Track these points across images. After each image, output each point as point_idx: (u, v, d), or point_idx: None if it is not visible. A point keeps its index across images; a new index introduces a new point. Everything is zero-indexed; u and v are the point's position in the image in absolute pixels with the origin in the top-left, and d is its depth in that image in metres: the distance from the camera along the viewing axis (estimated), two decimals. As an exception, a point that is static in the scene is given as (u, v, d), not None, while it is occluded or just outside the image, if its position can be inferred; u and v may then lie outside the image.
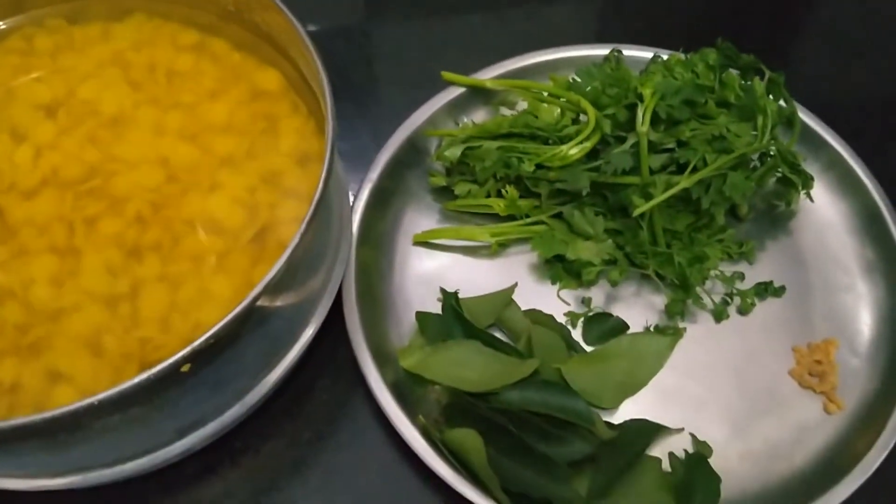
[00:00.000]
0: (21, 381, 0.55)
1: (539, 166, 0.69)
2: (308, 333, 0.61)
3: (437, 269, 0.72)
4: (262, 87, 0.68)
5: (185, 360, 0.48)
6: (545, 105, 0.73)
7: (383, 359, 0.64)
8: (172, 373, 0.48)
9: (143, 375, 0.46)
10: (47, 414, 0.45)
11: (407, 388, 0.64)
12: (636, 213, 0.65)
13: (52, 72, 0.68)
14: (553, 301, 0.71)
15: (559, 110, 0.72)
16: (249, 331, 0.54)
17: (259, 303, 0.51)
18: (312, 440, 0.65)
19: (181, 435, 0.58)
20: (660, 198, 0.64)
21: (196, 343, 0.48)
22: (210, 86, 0.68)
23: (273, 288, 0.51)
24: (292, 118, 0.66)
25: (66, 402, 0.51)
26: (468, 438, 0.58)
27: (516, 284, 0.69)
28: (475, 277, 0.72)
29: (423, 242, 0.72)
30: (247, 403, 0.59)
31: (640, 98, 0.66)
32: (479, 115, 0.79)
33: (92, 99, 0.67)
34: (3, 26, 0.71)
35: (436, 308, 0.69)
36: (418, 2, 0.94)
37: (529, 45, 0.83)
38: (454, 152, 0.70)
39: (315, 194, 0.54)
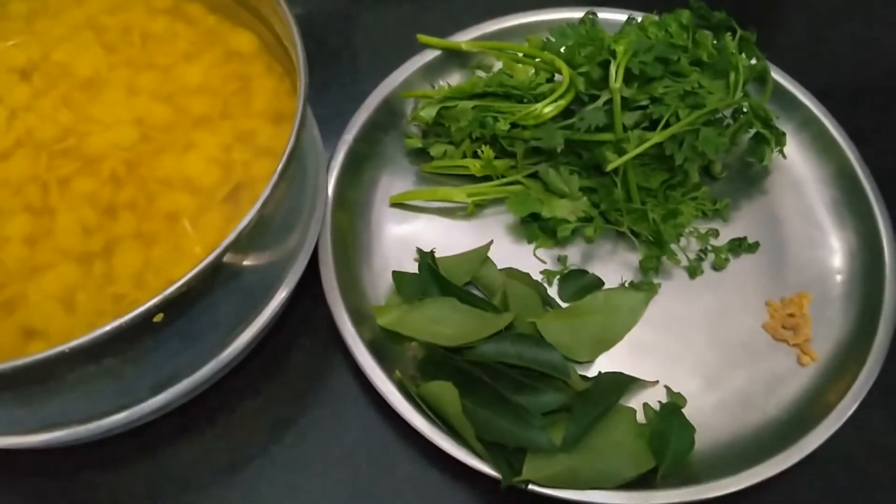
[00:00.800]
0: (-3, 339, 0.55)
1: (514, 125, 0.69)
2: (284, 291, 0.61)
3: (413, 230, 0.72)
4: (236, 49, 0.68)
5: (156, 308, 0.47)
6: (520, 65, 0.72)
7: (360, 317, 0.64)
8: (145, 322, 0.47)
9: (115, 323, 0.46)
10: (20, 362, 0.45)
11: (384, 346, 0.64)
12: (609, 168, 0.65)
13: (26, 36, 0.68)
14: (530, 260, 0.71)
15: (534, 70, 0.71)
16: (222, 284, 0.54)
17: (230, 256, 0.50)
18: (290, 398, 0.65)
19: (156, 391, 0.57)
20: (632, 153, 0.64)
21: (168, 292, 0.48)
22: (184, 48, 0.68)
23: (244, 241, 0.51)
24: (266, 79, 0.66)
25: None
26: (443, 390, 0.58)
27: (491, 242, 0.69)
28: (452, 238, 0.72)
29: (400, 204, 0.72)
30: (222, 360, 0.59)
31: (614, 55, 0.66)
32: (456, 78, 0.79)
33: (66, 62, 0.67)
34: (-24, -8, 0.69)
35: (413, 268, 0.69)
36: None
37: (507, 8, 0.82)
38: (429, 113, 0.70)
39: (286, 149, 0.53)
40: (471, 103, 0.70)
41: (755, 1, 0.94)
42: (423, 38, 0.77)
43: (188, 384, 0.58)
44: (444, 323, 0.63)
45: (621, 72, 0.65)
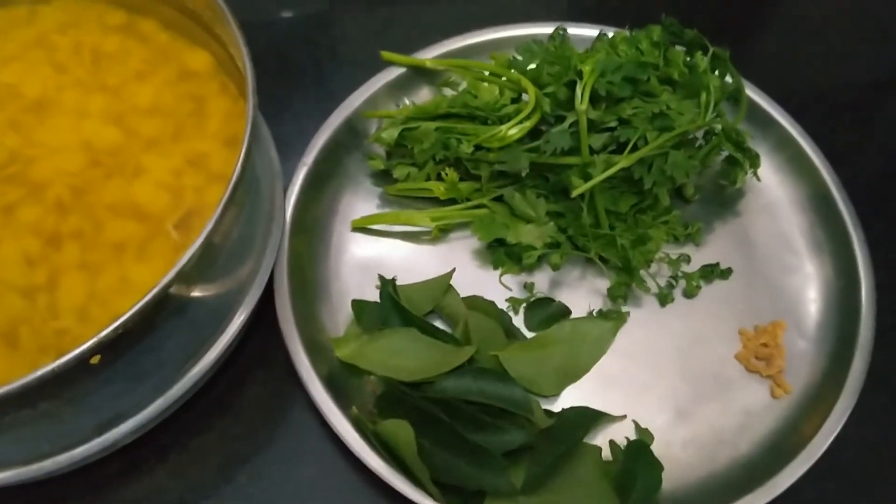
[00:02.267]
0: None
1: (478, 147, 0.67)
2: (236, 324, 0.60)
3: (376, 255, 0.71)
4: (191, 68, 0.66)
5: (92, 350, 0.46)
6: (485, 84, 0.70)
7: (317, 349, 0.63)
8: (81, 364, 0.45)
9: (47, 368, 0.44)
10: None
11: (342, 380, 0.62)
12: (575, 193, 0.63)
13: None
14: (496, 286, 0.69)
15: (499, 90, 0.70)
16: (167, 320, 0.53)
17: (173, 290, 0.49)
18: (244, 435, 0.63)
19: (101, 431, 0.56)
20: (598, 178, 0.62)
21: (103, 333, 0.46)
22: (137, 67, 0.66)
23: (188, 275, 0.49)
24: (220, 99, 0.64)
25: None
26: (399, 430, 0.56)
27: (454, 270, 0.67)
28: (416, 263, 0.70)
29: (362, 228, 0.70)
30: (170, 397, 0.57)
31: (580, 75, 0.64)
32: (422, 97, 0.77)
33: (14, 82, 0.65)
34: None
35: (375, 296, 0.68)
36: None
37: (474, 24, 0.80)
38: (392, 134, 0.68)
39: (233, 175, 0.51)
40: (434, 124, 0.68)
41: (727, 16, 0.92)
42: (386, 54, 0.75)
43: (134, 424, 0.56)
44: (403, 356, 0.61)
45: (587, 93, 0.63)
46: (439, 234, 0.70)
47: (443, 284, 0.66)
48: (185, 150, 0.62)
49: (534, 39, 0.74)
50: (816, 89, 0.85)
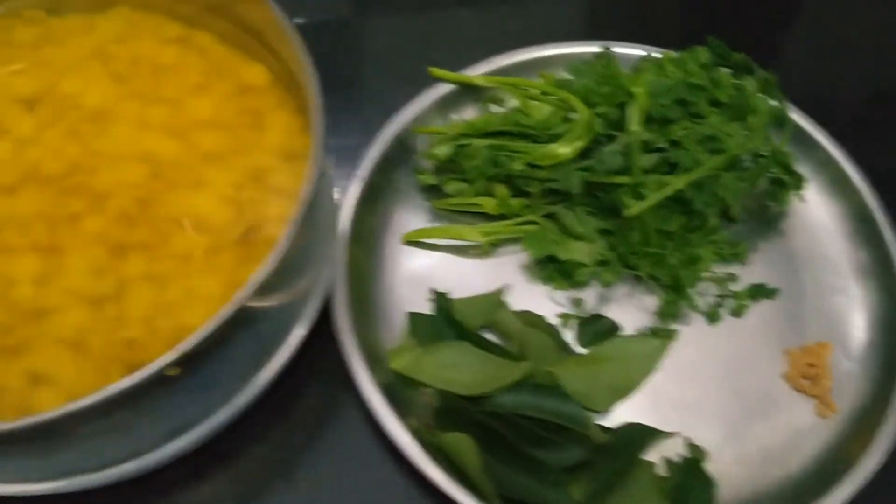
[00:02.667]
0: (2, 382, 0.54)
1: (530, 165, 0.68)
2: (298, 334, 0.61)
3: (426, 268, 0.72)
4: (247, 82, 0.67)
5: (171, 363, 0.47)
6: (535, 103, 0.72)
7: (374, 360, 0.64)
8: (159, 376, 0.47)
9: (129, 381, 0.46)
10: (30, 420, 0.45)
11: (398, 391, 0.63)
12: (629, 213, 0.64)
13: (32, 64, 0.67)
14: (544, 301, 0.71)
15: (549, 108, 0.71)
16: (238, 332, 0.54)
17: (247, 304, 0.49)
18: (302, 444, 0.65)
19: (168, 439, 0.57)
20: (652, 200, 0.64)
21: (183, 346, 0.47)
22: (195, 80, 0.67)
23: (261, 289, 0.50)
24: (278, 114, 0.65)
25: (49, 405, 0.50)
26: (462, 443, 0.58)
27: (506, 287, 0.68)
28: (465, 277, 0.72)
29: (413, 241, 0.71)
30: (235, 406, 0.58)
31: (631, 96, 0.66)
32: (468, 112, 0.79)
33: (74, 93, 0.66)
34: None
35: (425, 308, 0.69)
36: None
37: (519, 41, 0.82)
38: (444, 150, 0.69)
39: (303, 193, 0.53)
40: (485, 142, 0.69)
41: (766, 37, 0.93)
42: (436, 71, 0.76)
43: (201, 432, 0.58)
44: (459, 369, 0.62)
45: (640, 115, 0.64)
46: (489, 248, 0.71)
47: (495, 300, 0.67)
48: (244, 164, 0.63)
49: (582, 60, 0.75)
50: (858, 111, 0.86)
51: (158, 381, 0.48)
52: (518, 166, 0.68)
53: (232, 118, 0.65)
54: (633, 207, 0.64)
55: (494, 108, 0.78)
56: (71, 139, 0.63)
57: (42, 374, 0.55)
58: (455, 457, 0.58)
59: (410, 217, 0.74)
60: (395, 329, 0.69)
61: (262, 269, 0.50)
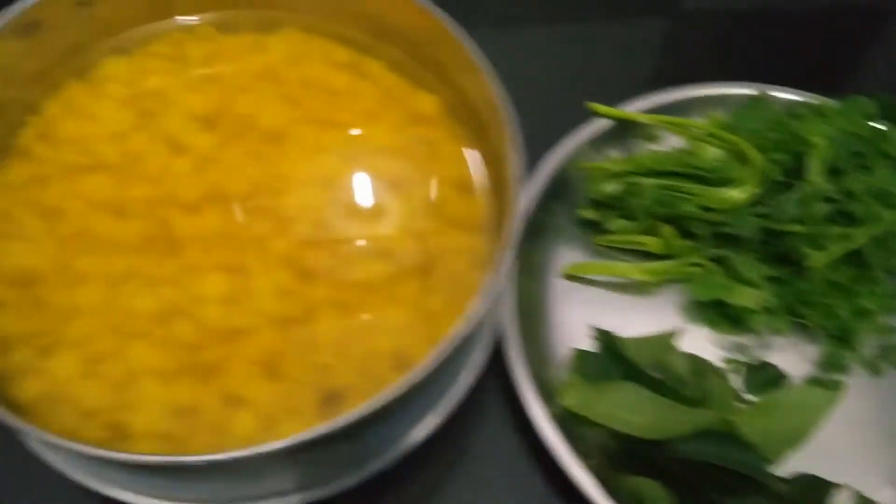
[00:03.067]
0: (199, 403, 0.54)
1: (701, 207, 0.68)
2: (477, 362, 0.62)
3: (585, 303, 0.73)
4: (419, 112, 0.67)
5: (394, 399, 0.47)
6: (702, 144, 0.72)
7: (544, 395, 0.63)
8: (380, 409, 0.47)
9: (354, 413, 0.46)
10: (263, 449, 0.47)
11: (569, 429, 0.63)
12: (811, 265, 0.64)
13: (204, 81, 0.67)
14: (703, 344, 0.72)
15: (715, 150, 0.71)
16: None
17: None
18: (468, 485, 0.64)
19: (338, 475, 0.57)
20: (836, 252, 0.64)
21: (411, 377, 0.47)
22: (367, 106, 0.67)
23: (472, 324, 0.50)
24: (451, 145, 0.66)
25: (247, 428, 0.53)
26: (649, 488, 0.58)
27: (678, 329, 0.68)
28: (623, 314, 0.73)
29: (573, 276, 0.71)
30: (413, 438, 0.59)
31: (807, 145, 0.66)
32: (622, 147, 0.79)
33: (249, 113, 0.66)
34: (150, 29, 0.69)
35: (586, 343, 0.70)
36: (555, 29, 0.93)
37: (662, 79, 0.82)
38: (611, 188, 0.69)
39: (506, 234, 0.53)
40: (654, 181, 0.69)
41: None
42: (595, 106, 0.77)
43: (380, 463, 0.59)
44: (633, 411, 0.62)
45: (821, 166, 0.65)
46: (650, 288, 0.71)
47: (665, 342, 0.67)
48: (421, 194, 0.63)
49: (736, 101, 0.75)
50: None
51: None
52: (689, 208, 0.68)
53: (406, 147, 0.65)
54: (817, 259, 0.64)
55: (650, 146, 0.78)
56: (251, 159, 0.64)
57: (237, 395, 0.55)
58: (640, 501, 0.58)
59: (568, 251, 0.74)
60: (556, 363, 0.69)
61: (476, 304, 0.50)
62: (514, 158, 0.56)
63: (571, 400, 0.63)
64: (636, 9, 0.96)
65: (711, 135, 0.72)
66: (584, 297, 0.73)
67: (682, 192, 0.69)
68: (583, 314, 0.71)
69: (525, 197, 0.73)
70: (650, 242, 0.71)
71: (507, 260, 0.52)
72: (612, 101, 0.80)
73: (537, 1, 0.96)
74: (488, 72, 0.60)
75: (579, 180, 0.75)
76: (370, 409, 0.47)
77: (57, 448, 0.46)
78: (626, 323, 0.70)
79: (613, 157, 0.75)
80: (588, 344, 0.69)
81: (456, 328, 0.50)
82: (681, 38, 0.93)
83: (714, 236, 0.70)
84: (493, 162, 0.63)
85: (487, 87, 0.59)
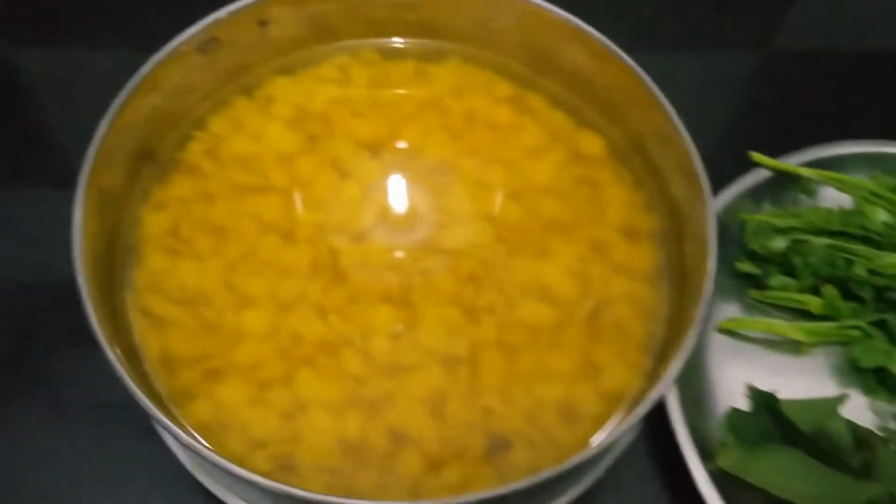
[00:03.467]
0: (366, 439, 0.54)
1: (870, 271, 0.66)
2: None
3: (737, 358, 0.72)
4: (582, 151, 0.66)
5: (582, 461, 0.46)
6: (869, 204, 0.70)
7: (701, 453, 0.62)
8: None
9: (543, 475, 0.47)
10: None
11: (725, 490, 0.61)
12: None
13: (369, 107, 0.67)
14: (858, 411, 0.70)
15: (885, 212, 0.69)
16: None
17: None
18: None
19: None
20: None
21: (605, 439, 0.46)
22: (530, 143, 0.67)
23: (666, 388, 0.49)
24: (617, 188, 0.65)
25: (412, 468, 0.54)
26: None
27: (845, 396, 0.66)
28: (775, 373, 0.71)
29: (726, 330, 0.70)
30: (570, 496, 0.58)
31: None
32: (774, 199, 0.79)
33: (414, 143, 0.66)
34: (315, 52, 0.69)
35: (738, 401, 0.69)
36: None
37: (817, 133, 0.81)
38: (779, 244, 0.68)
39: (703, 290, 0.52)
40: (823, 240, 0.67)
41: None
42: (758, 157, 0.75)
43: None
44: (796, 479, 0.61)
45: None
46: (807, 349, 0.69)
47: (830, 407, 0.65)
48: (586, 237, 0.62)
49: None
50: None
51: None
52: (859, 271, 0.66)
53: (570, 187, 0.65)
54: None
55: (807, 201, 0.76)
56: (415, 190, 0.63)
57: (402, 432, 0.55)
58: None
59: (722, 304, 0.73)
60: (713, 421, 0.67)
61: (675, 364, 0.49)
62: (703, 210, 0.55)
63: (729, 461, 0.62)
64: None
65: (876, 194, 0.70)
66: (736, 352, 0.72)
67: (850, 253, 0.67)
68: (736, 370, 0.70)
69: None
70: (811, 302, 0.69)
71: (702, 318, 0.50)
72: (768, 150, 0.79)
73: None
74: (670, 111, 0.58)
75: (734, 231, 0.73)
76: (561, 470, 0.45)
77: (228, 474, 0.46)
78: (779, 382, 0.69)
79: (772, 210, 0.73)
80: (743, 402, 0.67)
81: (653, 392, 0.48)
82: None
83: (877, 299, 0.68)
84: (666, 208, 0.63)
85: (669, 129, 0.58)
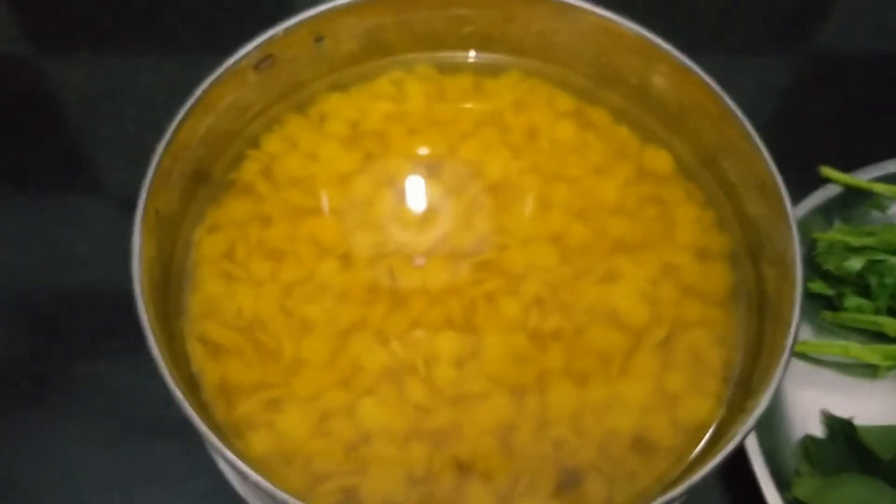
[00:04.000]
0: (433, 471, 0.52)
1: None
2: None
3: (809, 383, 0.68)
4: (649, 168, 0.64)
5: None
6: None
7: (777, 483, 0.60)
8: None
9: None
10: None
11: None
12: None
13: (426, 124, 0.65)
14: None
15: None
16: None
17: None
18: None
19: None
20: None
21: (693, 479, 0.44)
22: (595, 160, 0.65)
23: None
24: (687, 207, 0.63)
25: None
26: None
27: (927, 423, 0.64)
28: (849, 397, 0.70)
29: (801, 354, 0.67)
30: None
31: None
32: (844, 215, 0.76)
33: (473, 161, 0.64)
34: (369, 67, 0.67)
35: (812, 428, 0.68)
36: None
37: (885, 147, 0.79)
38: (856, 264, 0.65)
39: (793, 318, 0.49)
40: (899, 260, 0.65)
41: None
42: (829, 172, 0.72)
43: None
44: (873, 507, 0.57)
45: None
46: (884, 373, 0.67)
47: (914, 436, 0.63)
48: (656, 259, 0.60)
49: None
50: None
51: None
52: (938, 293, 0.63)
53: (637, 206, 0.63)
54: None
55: (879, 217, 0.74)
56: (476, 210, 0.61)
57: (470, 465, 0.53)
58: None
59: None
60: (786, 449, 0.64)
61: (765, 395, 0.46)
62: (786, 230, 0.52)
63: (805, 491, 0.60)
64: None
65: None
66: (809, 376, 0.70)
67: (928, 273, 0.65)
68: (810, 394, 0.67)
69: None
70: (888, 324, 0.66)
71: (791, 347, 0.48)
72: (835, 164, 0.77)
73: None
74: (746, 124, 0.56)
75: (804, 249, 0.70)
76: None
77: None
78: (854, 407, 0.67)
79: (843, 228, 0.71)
80: (818, 428, 0.65)
81: (744, 425, 0.46)
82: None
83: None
84: (740, 227, 0.61)
85: (744, 143, 0.56)
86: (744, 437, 0.47)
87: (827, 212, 0.74)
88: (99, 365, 0.69)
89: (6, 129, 0.79)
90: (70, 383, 0.68)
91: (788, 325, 0.49)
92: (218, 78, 0.57)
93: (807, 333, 0.70)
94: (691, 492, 0.51)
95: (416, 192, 0.62)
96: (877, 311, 0.68)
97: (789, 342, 0.49)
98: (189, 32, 0.86)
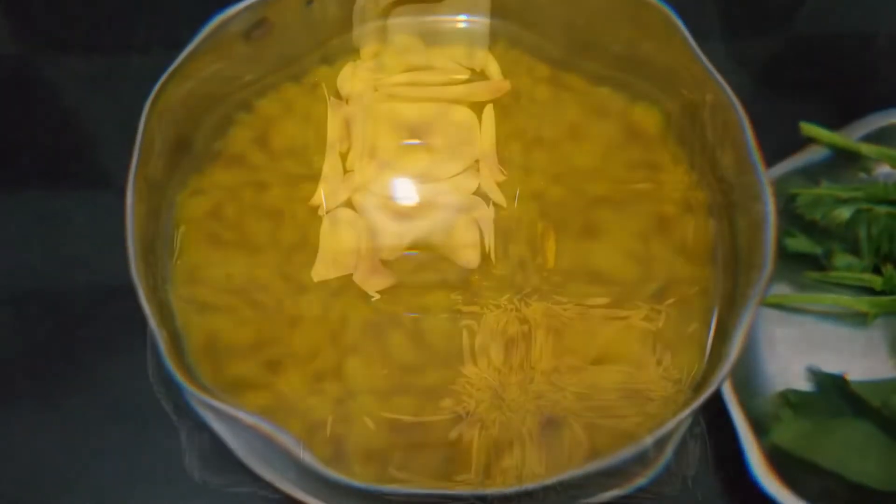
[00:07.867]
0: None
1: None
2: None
3: (784, 336, 0.70)
4: (636, 128, 0.66)
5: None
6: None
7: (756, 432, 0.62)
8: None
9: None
10: None
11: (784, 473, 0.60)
12: None
13: (411, 89, 0.66)
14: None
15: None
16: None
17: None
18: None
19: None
20: None
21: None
22: (573, 120, 0.67)
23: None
24: (673, 171, 0.64)
25: None
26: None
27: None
28: (827, 348, 0.70)
29: (777, 304, 0.70)
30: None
31: None
32: (832, 177, 0.76)
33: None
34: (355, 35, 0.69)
35: (794, 383, 0.68)
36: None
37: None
38: (844, 214, 0.66)
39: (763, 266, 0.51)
40: (885, 209, 0.66)
41: None
42: (809, 129, 0.74)
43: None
44: (863, 456, 0.59)
45: None
46: (871, 321, 0.70)
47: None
48: (645, 212, 0.63)
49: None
50: None
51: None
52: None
53: (622, 167, 0.65)
54: None
55: (865, 178, 0.75)
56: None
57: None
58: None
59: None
60: (766, 401, 0.67)
61: (736, 340, 0.48)
62: (754, 179, 0.56)
63: (785, 437, 0.62)
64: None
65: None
66: (786, 327, 0.71)
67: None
68: (786, 348, 0.69)
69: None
70: (874, 281, 0.68)
71: (760, 294, 0.50)
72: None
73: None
74: (722, 85, 0.58)
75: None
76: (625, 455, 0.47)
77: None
78: (835, 359, 0.69)
79: (831, 186, 0.72)
80: (799, 384, 0.67)
81: (719, 373, 0.48)
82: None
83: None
84: (717, 182, 0.62)
85: (722, 103, 0.59)
86: (720, 383, 0.49)
87: (812, 175, 0.75)
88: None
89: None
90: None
91: (760, 269, 0.51)
92: (204, 40, 0.59)
93: (785, 291, 0.72)
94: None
95: (397, 161, 0.65)
96: (863, 270, 0.69)
97: (761, 287, 0.52)
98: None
